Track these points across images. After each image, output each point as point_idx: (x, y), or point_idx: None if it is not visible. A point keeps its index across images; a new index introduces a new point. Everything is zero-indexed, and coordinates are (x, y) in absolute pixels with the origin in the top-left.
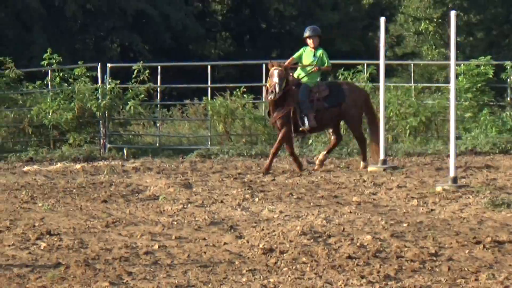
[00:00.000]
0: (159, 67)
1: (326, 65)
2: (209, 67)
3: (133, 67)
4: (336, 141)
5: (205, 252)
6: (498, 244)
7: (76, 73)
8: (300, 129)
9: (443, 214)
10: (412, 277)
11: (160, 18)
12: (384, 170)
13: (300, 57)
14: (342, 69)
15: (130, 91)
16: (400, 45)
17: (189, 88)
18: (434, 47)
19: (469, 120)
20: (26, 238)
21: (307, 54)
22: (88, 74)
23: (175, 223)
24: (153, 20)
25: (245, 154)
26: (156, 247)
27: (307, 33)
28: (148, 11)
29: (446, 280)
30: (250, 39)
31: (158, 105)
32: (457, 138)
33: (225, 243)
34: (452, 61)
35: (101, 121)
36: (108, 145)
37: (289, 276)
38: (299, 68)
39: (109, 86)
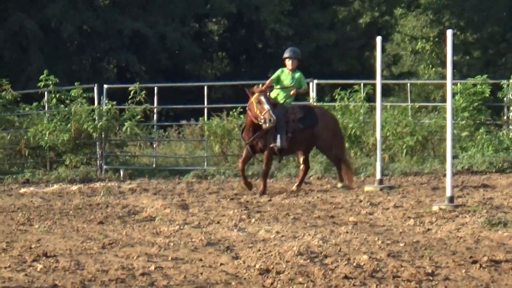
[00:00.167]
0: (155, 88)
1: (303, 88)
2: (205, 87)
3: (130, 88)
4: (306, 169)
5: (201, 273)
6: (494, 264)
7: (72, 94)
8: (271, 145)
9: (440, 234)
10: None
11: (157, 39)
12: (381, 189)
13: (278, 78)
14: (339, 89)
15: (127, 112)
16: (397, 64)
17: (186, 109)
18: (431, 66)
19: (465, 139)
20: (22, 260)
21: (286, 76)
22: (85, 95)
23: (172, 244)
24: (150, 40)
25: None
26: (152, 268)
27: (287, 54)
28: (145, 32)
29: None
30: (247, 59)
31: (155, 126)
32: (454, 157)
33: (221, 264)
34: (449, 80)
35: (97, 142)
36: (105, 166)
37: None
38: (277, 89)
39: (105, 107)
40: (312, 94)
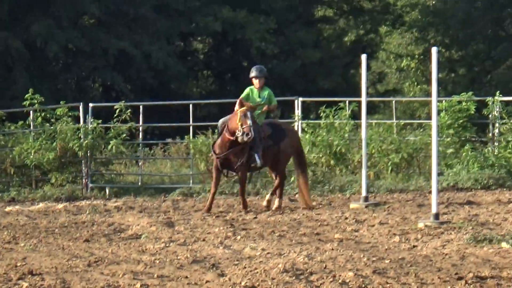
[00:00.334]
0: (141, 106)
1: (273, 103)
2: (191, 105)
3: (115, 107)
4: (282, 180)
5: None
6: (480, 280)
7: (58, 113)
8: (252, 165)
9: (425, 250)
10: None
11: (142, 58)
12: (366, 207)
13: (247, 97)
14: (324, 106)
15: (112, 130)
16: (382, 82)
17: (171, 127)
18: (416, 83)
19: (451, 156)
20: (8, 278)
21: (255, 94)
22: (70, 114)
23: (157, 261)
24: (135, 59)
25: (227, 192)
26: (138, 286)
27: (253, 73)
28: (130, 51)
29: None
30: (232, 77)
31: (140, 144)
32: (439, 174)
33: (207, 281)
34: (434, 98)
35: (83, 161)
36: (90, 185)
37: None
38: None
39: (91, 126)
40: (297, 112)
